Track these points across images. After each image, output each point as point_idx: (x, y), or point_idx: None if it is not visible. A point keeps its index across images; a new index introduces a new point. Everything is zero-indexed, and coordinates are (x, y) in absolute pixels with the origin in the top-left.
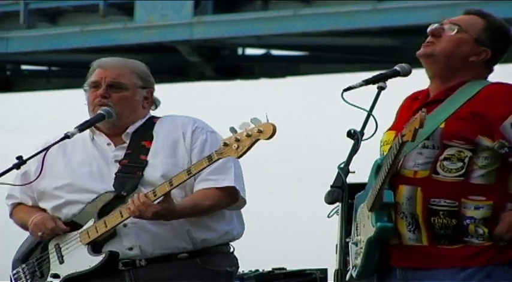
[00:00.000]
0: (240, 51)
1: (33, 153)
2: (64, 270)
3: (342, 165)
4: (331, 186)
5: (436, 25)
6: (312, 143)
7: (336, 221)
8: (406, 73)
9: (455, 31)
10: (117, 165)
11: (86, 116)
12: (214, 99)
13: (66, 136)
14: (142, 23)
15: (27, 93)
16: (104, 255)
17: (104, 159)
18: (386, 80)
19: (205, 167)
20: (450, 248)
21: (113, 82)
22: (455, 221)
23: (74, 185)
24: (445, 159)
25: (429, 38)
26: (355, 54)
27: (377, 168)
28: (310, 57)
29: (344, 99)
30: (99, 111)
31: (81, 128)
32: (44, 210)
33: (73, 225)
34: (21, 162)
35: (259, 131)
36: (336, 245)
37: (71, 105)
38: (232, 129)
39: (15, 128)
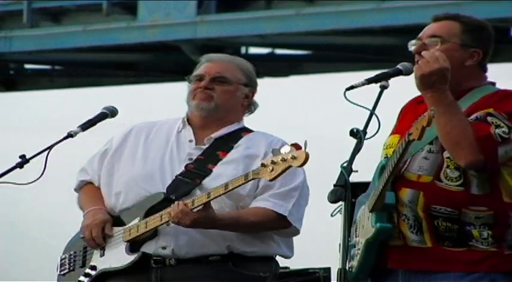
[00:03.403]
0: (243, 50)
1: (37, 151)
2: (101, 264)
3: (344, 164)
4: (334, 185)
5: (414, 42)
6: (314, 142)
7: (339, 220)
8: (408, 72)
9: (438, 44)
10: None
11: (89, 115)
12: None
13: (69, 135)
14: (146, 22)
15: (30, 92)
16: (135, 255)
17: (179, 157)
18: (389, 79)
19: (241, 184)
20: (454, 251)
21: (217, 75)
22: (456, 227)
23: (140, 178)
24: (447, 166)
25: (417, 58)
26: (358, 53)
27: (381, 169)
28: (313, 57)
29: (347, 98)
30: (102, 110)
31: (84, 127)
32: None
33: (119, 221)
34: (24, 161)
35: (293, 158)
36: (339, 244)
37: (74, 104)
38: (275, 151)
39: (18, 127)
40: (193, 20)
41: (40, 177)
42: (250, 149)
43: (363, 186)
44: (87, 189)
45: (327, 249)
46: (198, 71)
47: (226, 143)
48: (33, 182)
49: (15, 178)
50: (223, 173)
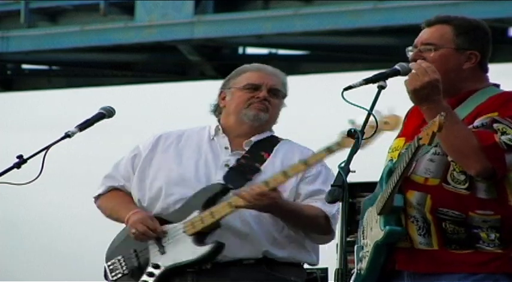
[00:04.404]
0: (240, 50)
1: (35, 152)
2: (166, 261)
3: (342, 165)
4: (332, 186)
5: (410, 49)
6: (312, 142)
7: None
8: (406, 72)
9: (433, 52)
10: (225, 169)
11: (87, 115)
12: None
13: (67, 135)
14: (143, 22)
15: (27, 92)
16: (210, 245)
17: (215, 163)
18: (387, 79)
19: (301, 170)
20: (460, 253)
21: (274, 88)
22: (463, 229)
23: (175, 183)
24: (454, 169)
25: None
26: (356, 53)
27: (388, 172)
28: (311, 57)
29: (344, 99)
30: (99, 110)
31: (82, 127)
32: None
33: (163, 221)
34: (21, 161)
35: (386, 123)
36: (337, 244)
37: (71, 104)
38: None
39: (15, 127)
40: (191, 20)
41: (37, 177)
42: (287, 157)
43: (360, 187)
44: (117, 195)
45: (324, 249)
46: (252, 80)
47: (267, 145)
48: (30, 182)
49: (13, 178)
50: (272, 166)
